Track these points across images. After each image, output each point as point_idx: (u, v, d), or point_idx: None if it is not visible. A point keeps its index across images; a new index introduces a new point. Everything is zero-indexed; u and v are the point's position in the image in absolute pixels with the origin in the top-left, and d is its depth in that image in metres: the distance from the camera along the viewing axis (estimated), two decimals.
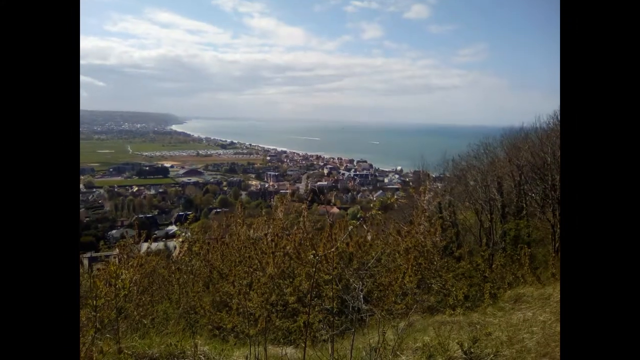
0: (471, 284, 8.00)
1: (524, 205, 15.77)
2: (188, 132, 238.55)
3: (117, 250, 8.23)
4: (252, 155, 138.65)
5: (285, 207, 9.77)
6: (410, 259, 6.44)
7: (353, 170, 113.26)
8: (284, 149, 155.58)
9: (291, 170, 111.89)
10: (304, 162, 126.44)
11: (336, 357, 4.56)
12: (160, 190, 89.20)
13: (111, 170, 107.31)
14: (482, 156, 20.49)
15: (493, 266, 9.39)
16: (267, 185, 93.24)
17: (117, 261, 7.57)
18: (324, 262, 4.68)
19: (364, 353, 4.70)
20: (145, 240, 9.12)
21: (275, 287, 6.04)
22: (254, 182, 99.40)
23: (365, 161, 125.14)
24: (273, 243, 7.06)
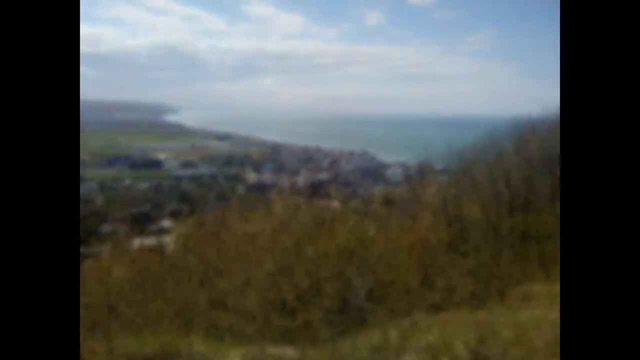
0: (477, 281, 7.99)
1: (533, 200, 15.76)
2: (182, 123, 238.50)
3: (109, 246, 8.24)
4: (249, 147, 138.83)
5: (283, 200, 9.78)
6: (413, 255, 6.43)
7: (354, 162, 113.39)
8: (282, 141, 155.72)
9: (290, 163, 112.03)
10: (303, 154, 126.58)
11: (337, 357, 4.56)
12: (154, 183, 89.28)
13: (102, 162, 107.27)
14: (488, 148, 20.42)
15: (500, 262, 9.38)
16: (264, 179, 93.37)
17: (108, 257, 7.57)
18: (324, 258, 4.68)
19: (366, 353, 4.70)
20: (139, 236, 9.14)
21: (274, 284, 6.04)
22: (251, 175, 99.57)
23: (367, 153, 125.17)
24: (271, 239, 7.07)
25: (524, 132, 19.77)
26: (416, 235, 7.91)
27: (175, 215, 49.57)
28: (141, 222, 41.07)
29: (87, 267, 6.84)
